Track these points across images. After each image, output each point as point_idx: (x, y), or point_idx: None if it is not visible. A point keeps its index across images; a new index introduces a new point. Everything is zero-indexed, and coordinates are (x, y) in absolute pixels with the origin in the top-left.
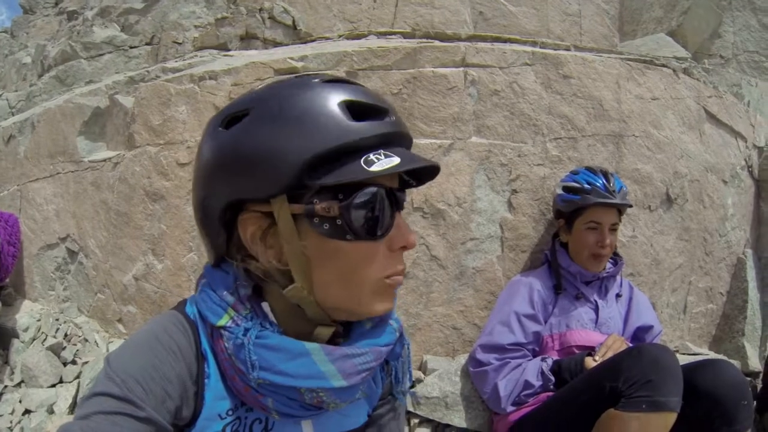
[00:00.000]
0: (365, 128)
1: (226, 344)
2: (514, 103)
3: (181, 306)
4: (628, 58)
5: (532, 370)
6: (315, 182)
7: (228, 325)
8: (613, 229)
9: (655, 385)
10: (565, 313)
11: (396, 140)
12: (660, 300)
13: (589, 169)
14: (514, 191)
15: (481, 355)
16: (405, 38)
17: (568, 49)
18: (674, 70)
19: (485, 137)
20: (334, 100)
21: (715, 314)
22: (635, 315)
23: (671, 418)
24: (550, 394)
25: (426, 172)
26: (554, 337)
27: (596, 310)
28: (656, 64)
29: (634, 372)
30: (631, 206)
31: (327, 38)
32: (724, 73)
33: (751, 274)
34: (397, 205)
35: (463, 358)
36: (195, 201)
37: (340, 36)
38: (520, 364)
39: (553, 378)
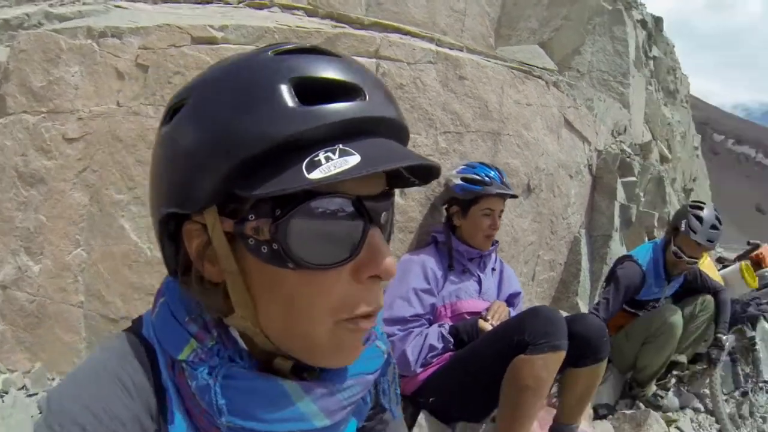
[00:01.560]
0: (316, 114)
1: (190, 381)
2: (415, 97)
3: (135, 327)
4: (513, 66)
5: (434, 335)
6: (247, 193)
7: (190, 359)
8: (500, 214)
9: (551, 334)
10: (455, 286)
11: (369, 129)
12: (516, 270)
13: (483, 164)
14: None
15: (385, 329)
16: (309, 16)
17: (461, 50)
18: (546, 82)
19: None
20: (279, 80)
21: (555, 280)
22: (507, 284)
23: (563, 355)
24: (451, 353)
25: (425, 169)
26: (446, 307)
27: (479, 282)
28: (534, 75)
29: (536, 327)
30: (516, 197)
31: (227, 2)
32: (581, 88)
33: (584, 249)
34: (369, 218)
35: None
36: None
37: (240, 2)
38: (421, 332)
39: (452, 339)
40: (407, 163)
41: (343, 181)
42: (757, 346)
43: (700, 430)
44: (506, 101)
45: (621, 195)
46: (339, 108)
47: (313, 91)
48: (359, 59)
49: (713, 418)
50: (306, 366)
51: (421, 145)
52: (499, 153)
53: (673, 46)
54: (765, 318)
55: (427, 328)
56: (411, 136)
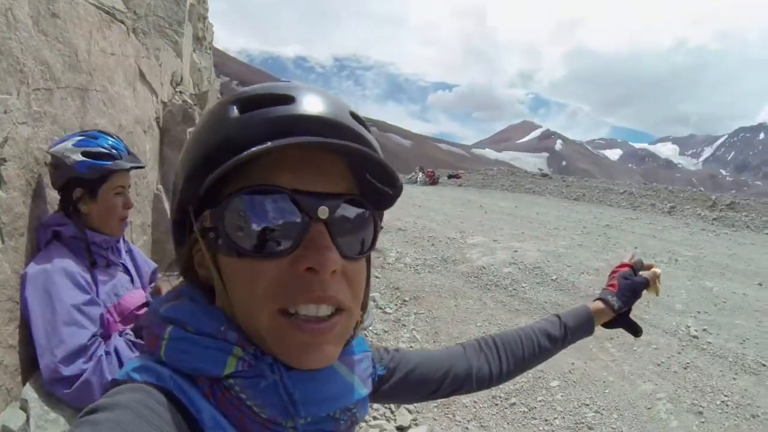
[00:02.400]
0: (250, 118)
1: (242, 394)
2: (6, 39)
3: (133, 385)
4: (100, 6)
5: (125, 348)
6: (199, 191)
7: (239, 369)
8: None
9: None
10: (108, 285)
11: (301, 127)
12: None
13: (102, 132)
14: (4, 160)
15: (68, 370)
16: None
17: None
18: (128, 29)
19: None
20: (230, 101)
21: (149, 244)
22: (141, 261)
23: None
24: None
25: (380, 169)
26: (111, 311)
27: (127, 270)
28: (118, 19)
29: None
30: (144, 167)
31: None
32: (150, 35)
33: (167, 206)
34: (308, 213)
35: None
36: None
37: None
38: (107, 352)
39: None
40: (306, 140)
41: (279, 176)
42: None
43: None
44: (94, 49)
45: None
46: (267, 111)
47: (253, 106)
48: None
49: None
50: None
51: (14, 109)
52: (87, 113)
53: None
54: None
55: (103, 344)
56: (2, 97)
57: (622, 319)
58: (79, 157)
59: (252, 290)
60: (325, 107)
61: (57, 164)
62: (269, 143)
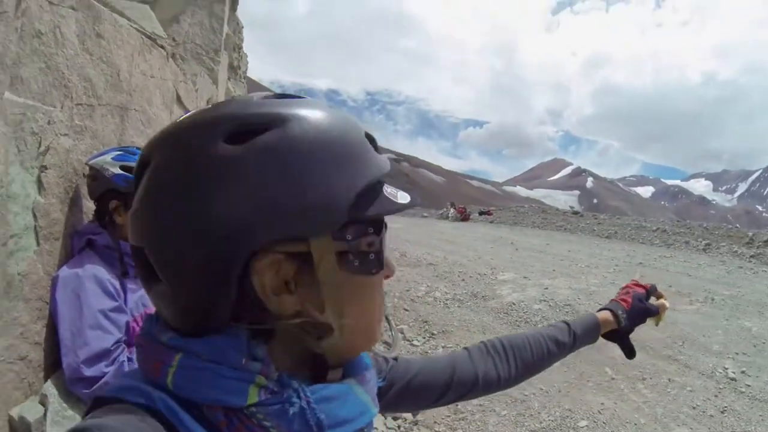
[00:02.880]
0: (385, 161)
1: (265, 422)
2: (53, 53)
3: (118, 402)
4: (142, 31)
5: None
6: (361, 215)
7: (263, 399)
8: None
9: None
10: (136, 294)
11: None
12: None
13: (137, 148)
14: (45, 167)
15: (89, 371)
16: None
17: None
18: (167, 54)
19: (19, 94)
20: (361, 131)
21: None
22: None
23: None
24: None
25: None
26: (138, 321)
27: None
28: (158, 44)
29: None
30: None
31: None
32: (188, 61)
33: None
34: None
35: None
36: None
37: None
38: (129, 358)
39: None
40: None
41: None
42: None
43: None
44: (135, 71)
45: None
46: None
47: (375, 144)
48: None
49: None
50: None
51: (57, 121)
52: (126, 131)
53: (242, 27)
54: None
55: (126, 351)
56: (47, 108)
57: (622, 338)
58: (118, 171)
59: (379, 298)
60: None
61: (95, 176)
62: (409, 197)
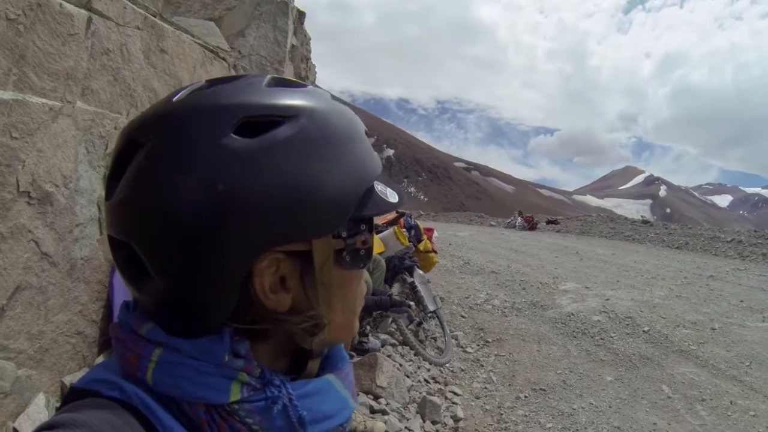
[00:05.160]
0: (378, 158)
1: (248, 419)
2: (120, 68)
3: (91, 395)
4: (205, 45)
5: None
6: (360, 214)
7: (244, 396)
8: None
9: None
10: None
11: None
12: None
13: None
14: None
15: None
16: None
17: (154, 15)
18: (229, 65)
19: (89, 103)
20: (362, 126)
21: None
22: None
23: None
24: None
25: None
26: None
27: None
28: (220, 56)
29: None
30: None
31: None
32: (249, 71)
33: None
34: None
35: (98, 361)
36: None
37: None
38: None
39: None
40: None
41: None
42: (417, 288)
43: (403, 356)
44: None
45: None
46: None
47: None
48: (72, 8)
49: (407, 347)
50: (301, 363)
51: (122, 126)
52: None
53: (310, 39)
54: (417, 266)
55: None
56: (114, 115)
57: None
58: None
59: (361, 293)
60: None
61: None
62: (403, 200)
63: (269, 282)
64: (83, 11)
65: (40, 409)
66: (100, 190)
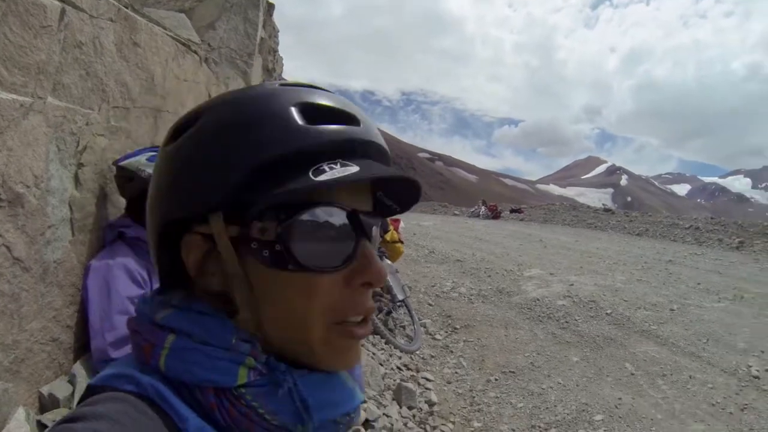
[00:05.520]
0: (321, 132)
1: (254, 403)
2: (92, 61)
3: (119, 394)
4: (177, 38)
5: None
6: (260, 197)
7: (251, 380)
8: None
9: None
10: None
11: (363, 150)
12: None
13: None
14: (81, 165)
15: (116, 353)
16: None
17: (126, 7)
18: (200, 58)
19: (60, 99)
20: (287, 103)
21: None
22: None
23: None
24: None
25: (407, 191)
26: None
27: None
28: (191, 49)
29: None
30: None
31: None
32: (221, 65)
33: None
34: (362, 231)
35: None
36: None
37: None
38: None
39: None
40: (398, 175)
41: (340, 194)
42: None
43: (375, 345)
44: (169, 75)
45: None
46: (339, 129)
47: (316, 116)
48: (45, 0)
49: (378, 336)
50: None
51: (94, 122)
52: (159, 132)
53: (278, 31)
54: (385, 256)
55: None
56: (86, 111)
57: None
58: (151, 171)
59: (307, 303)
60: (376, 131)
61: (131, 176)
62: (356, 168)
63: (192, 259)
64: (56, 2)
65: (21, 423)
66: (71, 190)
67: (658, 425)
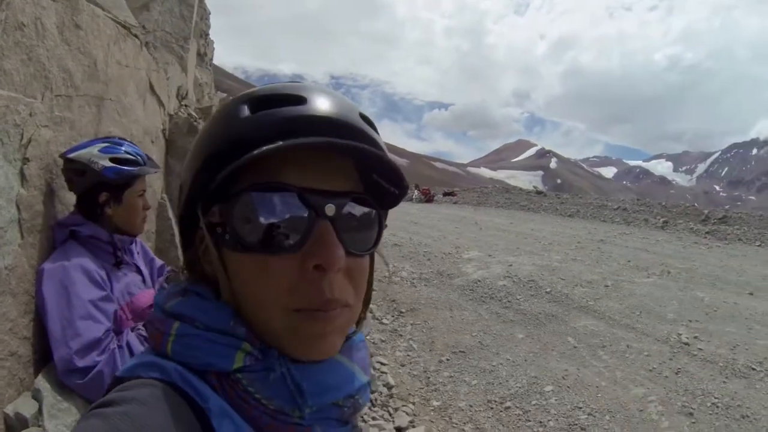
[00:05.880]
0: (259, 117)
1: (249, 388)
2: (34, 45)
3: (134, 379)
4: (118, 21)
5: (136, 343)
6: (208, 187)
7: (247, 364)
8: None
9: None
10: (122, 283)
11: (309, 128)
12: None
13: (120, 138)
14: (27, 159)
15: (82, 362)
16: None
17: None
18: (141, 43)
19: (2, 87)
20: (240, 100)
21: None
22: (150, 259)
23: None
24: None
25: (391, 172)
26: (125, 309)
27: (139, 270)
28: (132, 33)
29: None
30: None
31: None
32: (160, 49)
33: (171, 214)
34: (315, 210)
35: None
36: None
37: None
38: (119, 346)
39: None
40: (318, 141)
41: (288, 175)
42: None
43: None
44: (111, 61)
45: None
46: (278, 110)
47: (261, 105)
48: None
49: None
50: None
51: (38, 113)
52: (102, 121)
53: (209, 13)
54: None
55: (116, 339)
56: (29, 100)
57: None
58: (108, 163)
59: (262, 287)
60: (335, 108)
61: (83, 170)
62: (280, 143)
63: (201, 249)
64: None
65: None
66: (17, 188)
67: (603, 391)
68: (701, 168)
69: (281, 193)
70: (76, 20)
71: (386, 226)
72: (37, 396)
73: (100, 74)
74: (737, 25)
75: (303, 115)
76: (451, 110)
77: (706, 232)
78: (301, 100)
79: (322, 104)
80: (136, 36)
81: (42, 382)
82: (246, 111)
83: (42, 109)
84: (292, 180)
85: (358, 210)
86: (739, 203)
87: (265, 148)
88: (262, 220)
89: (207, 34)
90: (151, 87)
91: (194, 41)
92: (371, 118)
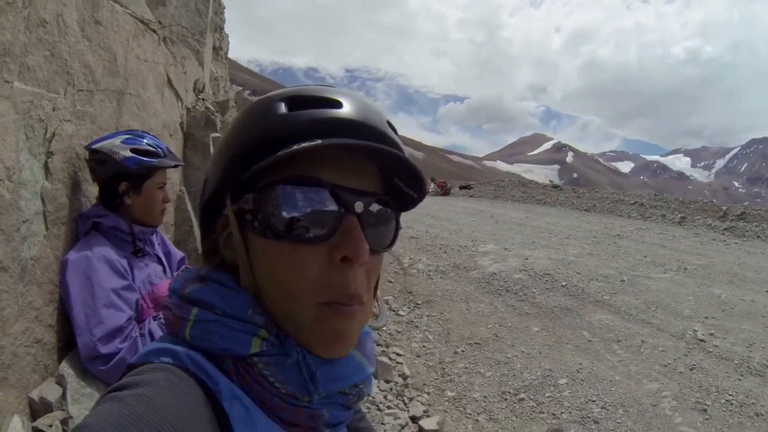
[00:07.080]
0: (297, 116)
1: (265, 371)
2: (56, 41)
3: (152, 365)
4: (135, 16)
5: (158, 331)
6: (242, 176)
7: (264, 349)
8: None
9: None
10: (143, 273)
11: (343, 129)
12: None
13: (143, 131)
14: (51, 153)
15: (105, 348)
16: None
17: None
18: (159, 38)
19: (26, 82)
20: (277, 98)
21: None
22: (171, 250)
23: None
24: None
25: (413, 177)
26: (146, 298)
27: (160, 260)
28: (151, 28)
29: None
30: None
31: None
32: (177, 44)
33: (189, 206)
34: (345, 206)
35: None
36: None
37: None
38: (141, 333)
39: None
40: (357, 143)
41: (322, 171)
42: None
43: None
44: (130, 56)
45: (212, 150)
46: (316, 111)
47: (299, 104)
48: None
49: None
50: None
51: (61, 107)
52: (122, 115)
53: (224, 7)
54: None
55: (138, 328)
56: (52, 95)
57: None
58: (129, 154)
59: (289, 276)
60: (368, 114)
61: (104, 159)
62: (319, 141)
63: (222, 236)
64: None
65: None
66: (42, 181)
67: (617, 385)
68: (720, 164)
69: (316, 188)
70: (96, 16)
71: (401, 227)
72: (61, 381)
73: (120, 69)
74: (757, 19)
75: (339, 118)
76: (466, 103)
77: (724, 229)
78: (336, 104)
79: (356, 109)
80: (154, 31)
81: (66, 368)
82: (283, 108)
83: (65, 104)
84: (326, 177)
85: (381, 209)
86: (758, 200)
87: (305, 144)
88: (296, 210)
89: (222, 28)
90: (169, 81)
91: (210, 35)
92: (386, 111)
